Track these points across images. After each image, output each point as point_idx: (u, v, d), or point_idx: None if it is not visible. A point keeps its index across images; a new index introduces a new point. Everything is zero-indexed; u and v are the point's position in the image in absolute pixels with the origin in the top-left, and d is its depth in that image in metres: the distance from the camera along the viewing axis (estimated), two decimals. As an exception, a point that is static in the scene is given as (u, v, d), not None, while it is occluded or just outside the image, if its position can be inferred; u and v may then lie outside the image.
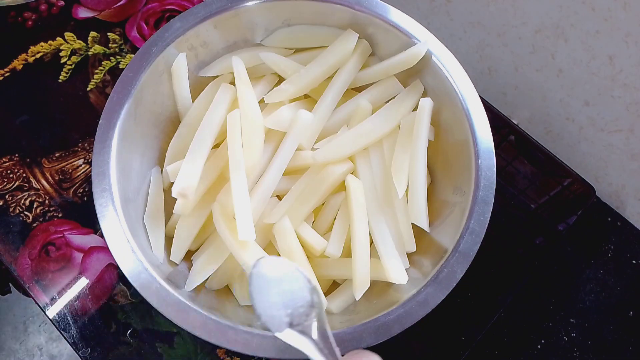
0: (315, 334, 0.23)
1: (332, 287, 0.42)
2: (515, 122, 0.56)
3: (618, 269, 0.53)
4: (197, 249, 0.42)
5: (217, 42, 0.45)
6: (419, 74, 0.44)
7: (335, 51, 0.43)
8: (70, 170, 0.51)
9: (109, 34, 0.57)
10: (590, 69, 0.52)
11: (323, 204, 0.42)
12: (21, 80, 0.54)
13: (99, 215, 0.36)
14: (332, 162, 0.41)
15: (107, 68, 0.55)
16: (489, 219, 0.37)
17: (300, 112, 0.41)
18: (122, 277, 0.47)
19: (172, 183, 0.39)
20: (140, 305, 0.46)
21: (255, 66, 0.45)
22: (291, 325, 0.24)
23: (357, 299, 0.38)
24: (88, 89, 0.54)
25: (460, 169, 0.40)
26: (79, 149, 0.52)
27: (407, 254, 0.41)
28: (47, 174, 0.51)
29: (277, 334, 0.24)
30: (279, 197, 0.42)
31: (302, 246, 0.39)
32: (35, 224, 0.49)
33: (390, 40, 0.44)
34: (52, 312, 0.45)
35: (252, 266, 0.25)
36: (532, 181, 0.54)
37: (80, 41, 0.56)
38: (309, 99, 0.46)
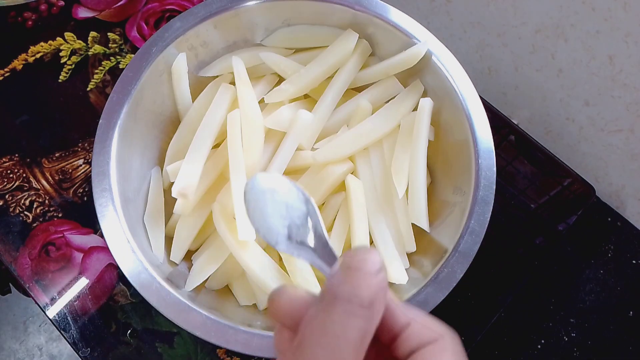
0: (312, 242, 0.23)
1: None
2: (515, 122, 0.56)
3: (618, 269, 0.53)
4: (197, 249, 0.42)
5: (217, 42, 0.45)
6: (419, 74, 0.44)
7: (335, 51, 0.43)
8: (70, 170, 0.51)
9: (109, 34, 0.57)
10: (590, 69, 0.52)
11: (323, 204, 0.42)
12: (21, 80, 0.54)
13: (99, 215, 0.36)
14: (332, 162, 0.41)
15: (107, 68, 0.55)
16: (489, 219, 0.37)
17: (300, 112, 0.41)
18: (122, 277, 0.47)
19: (172, 183, 0.39)
20: (140, 305, 0.46)
21: (255, 66, 0.45)
22: (289, 238, 0.24)
23: (357, 299, 0.37)
24: (88, 89, 0.54)
25: (460, 169, 0.40)
26: (79, 149, 0.52)
27: (407, 254, 0.41)
28: (47, 174, 0.51)
29: (277, 247, 0.24)
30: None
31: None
32: (35, 224, 0.49)
33: (390, 40, 0.44)
34: (52, 312, 0.45)
35: (246, 183, 0.25)
36: (532, 181, 0.54)
37: (80, 41, 0.56)
38: (309, 99, 0.46)
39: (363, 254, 0.19)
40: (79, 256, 0.48)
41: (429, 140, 0.42)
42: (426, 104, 0.41)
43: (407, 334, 0.20)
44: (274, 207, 0.25)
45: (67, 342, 0.45)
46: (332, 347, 0.18)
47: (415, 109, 0.43)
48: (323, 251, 0.23)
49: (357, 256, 0.19)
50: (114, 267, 0.47)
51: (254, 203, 0.25)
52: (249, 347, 0.33)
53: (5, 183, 0.50)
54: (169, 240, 0.40)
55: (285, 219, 0.25)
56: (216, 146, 0.42)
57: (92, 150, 0.45)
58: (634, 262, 0.53)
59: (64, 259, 0.47)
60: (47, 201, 0.50)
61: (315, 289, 0.37)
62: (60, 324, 0.45)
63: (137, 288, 0.34)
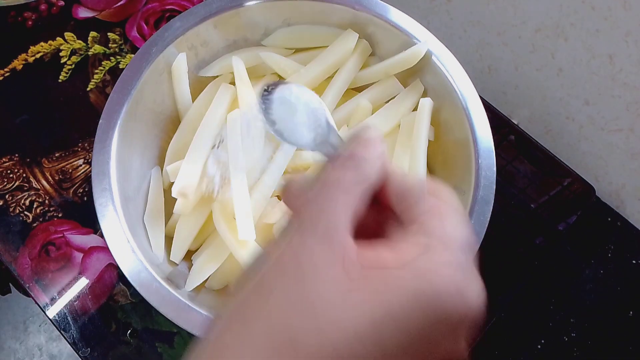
0: (330, 138, 0.26)
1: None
2: (515, 122, 0.56)
3: (618, 269, 0.53)
4: (197, 249, 0.42)
5: (217, 41, 0.45)
6: (419, 74, 0.44)
7: (335, 51, 0.43)
8: (70, 170, 0.51)
9: (109, 33, 0.57)
10: (590, 68, 0.52)
11: (323, 203, 0.42)
12: (21, 80, 0.54)
13: (99, 215, 0.36)
14: (332, 161, 0.41)
15: (107, 68, 0.55)
16: (489, 218, 0.37)
17: (300, 111, 0.41)
18: (122, 277, 0.47)
19: (172, 183, 0.39)
20: (140, 305, 0.46)
21: (255, 66, 0.45)
22: (314, 140, 0.27)
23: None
24: (88, 89, 0.54)
25: (460, 169, 0.40)
26: (79, 149, 0.52)
27: (407, 253, 0.41)
28: (47, 174, 0.51)
29: (304, 148, 0.27)
30: (279, 197, 0.42)
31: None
32: (35, 224, 0.49)
33: (390, 40, 0.44)
34: (52, 312, 0.45)
35: (264, 91, 0.28)
36: (532, 181, 0.54)
37: (80, 41, 0.56)
38: (309, 99, 0.46)
39: (361, 128, 0.22)
40: (79, 256, 0.48)
41: (429, 140, 0.42)
42: (426, 103, 0.41)
43: (413, 196, 0.21)
44: (303, 116, 0.27)
45: (67, 342, 0.45)
46: (325, 191, 0.20)
47: (415, 109, 0.43)
48: (337, 143, 0.25)
49: (356, 131, 0.22)
50: (114, 267, 0.47)
51: (284, 114, 0.28)
52: (249, 347, 0.33)
53: (5, 183, 0.50)
54: (169, 240, 0.40)
55: (312, 127, 0.27)
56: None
57: (92, 150, 0.45)
58: (634, 262, 0.53)
59: (64, 259, 0.47)
60: (47, 201, 0.50)
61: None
62: (60, 323, 0.45)
63: (137, 288, 0.34)
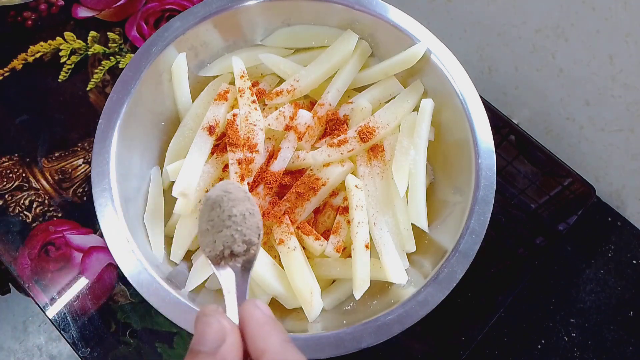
0: (246, 270, 0.26)
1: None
2: (516, 122, 0.56)
3: (618, 269, 0.53)
4: (197, 248, 0.42)
5: (217, 41, 0.44)
6: (419, 74, 0.44)
7: (335, 52, 0.43)
8: (69, 170, 0.51)
9: (108, 33, 0.56)
10: (591, 68, 0.52)
11: (323, 204, 0.42)
12: (21, 80, 0.54)
13: (98, 215, 0.36)
14: (332, 162, 0.41)
15: (106, 68, 0.55)
16: (489, 218, 0.37)
17: (300, 112, 0.41)
18: (122, 277, 0.47)
19: (172, 183, 0.39)
20: (140, 305, 0.46)
21: (255, 66, 0.45)
22: (231, 254, 0.26)
23: (357, 299, 0.37)
24: (88, 88, 0.54)
25: (460, 169, 0.40)
26: (79, 149, 0.52)
27: (407, 254, 0.41)
28: (47, 174, 0.51)
29: (211, 262, 0.26)
30: (279, 197, 0.42)
31: (302, 246, 0.39)
32: (34, 224, 0.49)
33: (390, 40, 0.44)
34: (52, 312, 0.45)
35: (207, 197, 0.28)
36: (532, 181, 0.54)
37: (80, 41, 0.56)
38: (308, 99, 0.46)
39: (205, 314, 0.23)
40: (78, 256, 0.47)
41: (429, 140, 0.42)
42: (427, 104, 0.41)
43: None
44: (232, 216, 0.27)
45: (66, 342, 0.45)
46: None
47: (415, 109, 0.43)
48: (241, 283, 0.26)
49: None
50: (113, 267, 0.47)
51: (208, 213, 0.28)
52: (248, 347, 0.33)
53: (5, 183, 0.50)
54: (169, 240, 0.40)
55: (240, 226, 0.27)
56: (216, 146, 0.42)
57: (91, 150, 0.45)
58: (634, 262, 0.53)
59: (64, 259, 0.47)
60: (46, 201, 0.50)
61: (315, 286, 0.37)
62: (60, 324, 0.45)
63: (137, 288, 0.34)
